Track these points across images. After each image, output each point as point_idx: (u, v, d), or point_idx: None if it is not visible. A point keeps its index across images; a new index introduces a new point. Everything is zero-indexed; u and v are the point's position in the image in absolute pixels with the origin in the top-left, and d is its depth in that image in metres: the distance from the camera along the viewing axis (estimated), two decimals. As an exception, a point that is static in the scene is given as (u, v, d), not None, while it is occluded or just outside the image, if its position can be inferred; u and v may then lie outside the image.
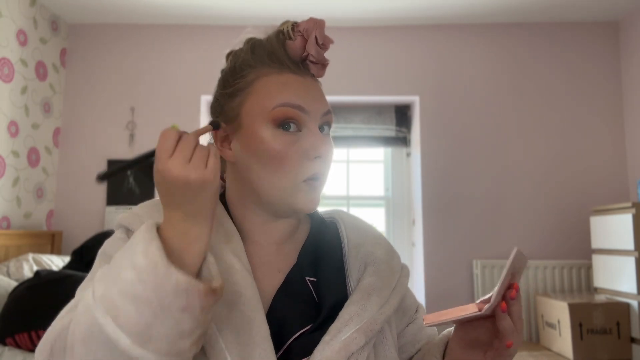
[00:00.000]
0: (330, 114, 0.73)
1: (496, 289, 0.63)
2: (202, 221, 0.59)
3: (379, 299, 0.73)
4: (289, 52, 0.72)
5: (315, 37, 0.71)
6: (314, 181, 0.70)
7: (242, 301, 0.65)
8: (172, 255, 0.57)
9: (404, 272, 0.81)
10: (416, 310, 0.85)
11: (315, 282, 0.74)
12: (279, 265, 0.74)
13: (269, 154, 0.68)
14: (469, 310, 0.63)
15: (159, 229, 0.59)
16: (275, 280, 0.72)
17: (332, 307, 0.71)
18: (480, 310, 0.62)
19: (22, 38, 2.80)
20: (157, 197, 0.73)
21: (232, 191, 0.76)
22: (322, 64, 0.74)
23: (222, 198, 0.78)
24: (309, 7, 2.96)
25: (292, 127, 0.69)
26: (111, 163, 3.10)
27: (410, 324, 0.84)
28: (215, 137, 0.76)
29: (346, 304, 0.71)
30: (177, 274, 0.54)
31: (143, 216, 0.71)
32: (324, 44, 0.72)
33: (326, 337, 0.67)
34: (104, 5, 2.98)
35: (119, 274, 0.55)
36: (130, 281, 0.54)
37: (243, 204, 0.74)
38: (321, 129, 0.72)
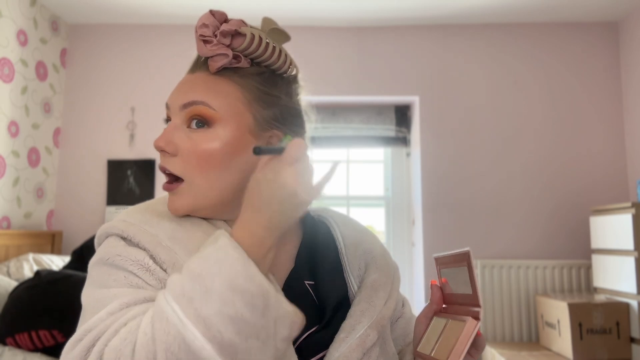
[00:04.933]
0: (193, 106, 0.67)
1: (479, 293, 0.65)
2: (277, 235, 0.58)
3: (384, 293, 0.74)
4: (199, 52, 0.72)
5: (196, 32, 0.70)
6: (166, 181, 0.69)
7: None
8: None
9: (396, 267, 0.84)
10: (402, 305, 0.86)
11: (313, 285, 0.73)
12: (274, 273, 0.72)
13: None
14: (473, 327, 0.63)
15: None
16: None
17: (334, 308, 0.71)
18: (479, 319, 0.64)
19: (22, 38, 2.80)
20: (148, 200, 0.74)
21: None
22: (217, 55, 0.68)
23: None
24: (309, 7, 2.96)
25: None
26: (111, 163, 3.10)
27: (400, 319, 0.85)
28: None
29: (355, 302, 0.72)
30: (286, 304, 0.54)
31: (137, 223, 0.66)
32: (202, 35, 0.69)
33: (341, 335, 0.68)
34: (104, 5, 2.99)
35: (214, 292, 0.51)
36: (232, 302, 0.51)
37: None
38: (197, 124, 0.67)
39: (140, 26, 3.24)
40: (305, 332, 0.68)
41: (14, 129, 2.74)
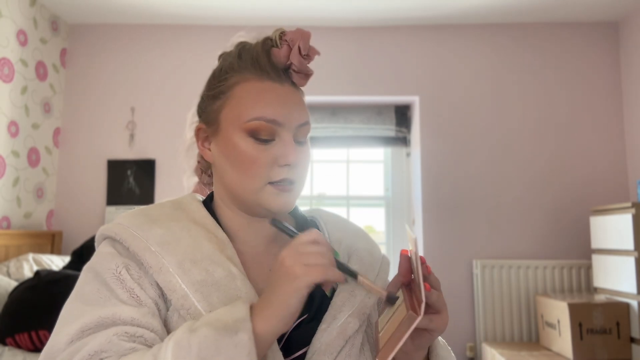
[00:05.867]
0: (307, 125, 0.75)
1: (420, 279, 0.63)
2: (289, 322, 0.62)
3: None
4: (274, 59, 0.74)
5: (299, 47, 0.73)
6: (282, 185, 0.72)
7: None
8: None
9: (384, 261, 0.85)
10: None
11: None
12: (269, 264, 0.77)
13: (241, 159, 0.72)
14: (413, 320, 0.61)
15: (252, 316, 0.61)
16: (267, 279, 0.74)
17: (322, 296, 0.75)
18: (419, 314, 0.60)
19: (22, 38, 2.80)
20: (147, 198, 0.75)
21: (217, 193, 0.79)
22: (305, 74, 0.75)
23: (210, 203, 0.81)
24: (309, 7, 2.96)
25: (266, 136, 0.72)
26: (111, 163, 3.10)
27: None
28: (197, 136, 0.79)
29: (336, 292, 0.75)
30: None
31: (130, 227, 0.70)
32: (308, 54, 0.74)
33: (322, 325, 0.71)
34: (104, 5, 2.99)
35: None
36: None
37: (227, 205, 0.77)
38: (297, 138, 0.74)
39: (140, 26, 3.24)
40: (295, 322, 0.71)
41: (13, 129, 2.74)
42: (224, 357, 0.56)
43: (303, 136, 0.75)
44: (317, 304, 0.74)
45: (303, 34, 0.73)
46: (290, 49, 0.73)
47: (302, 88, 0.80)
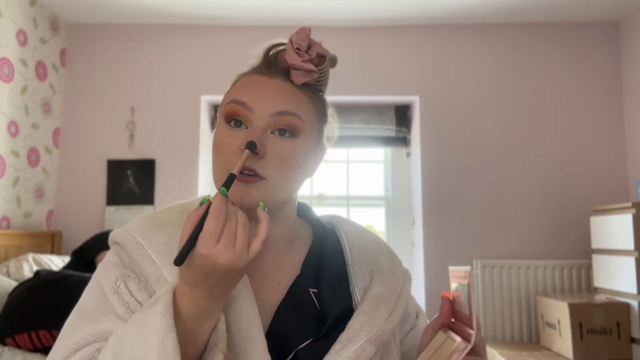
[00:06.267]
0: (288, 116, 0.70)
1: (473, 314, 0.63)
2: (223, 299, 0.60)
3: (387, 307, 0.73)
4: (280, 61, 0.74)
5: (291, 42, 0.72)
6: (244, 175, 0.67)
7: (242, 319, 0.66)
8: (186, 330, 0.58)
9: (406, 278, 0.81)
10: (417, 316, 0.84)
11: (317, 292, 0.73)
12: (278, 278, 0.74)
13: (214, 144, 0.71)
14: (462, 349, 0.61)
15: (175, 297, 0.59)
16: (275, 294, 0.72)
17: (336, 318, 0.71)
18: (470, 342, 0.62)
19: (22, 38, 2.80)
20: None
21: None
22: (304, 70, 0.73)
23: None
24: (309, 7, 2.96)
25: (241, 124, 0.70)
26: (111, 163, 3.10)
27: (411, 331, 0.83)
28: None
29: (355, 314, 0.71)
30: None
31: (135, 232, 0.70)
32: (307, 51, 0.72)
33: (337, 346, 0.67)
34: (104, 5, 2.98)
35: None
36: None
37: None
38: (280, 132, 0.70)
39: (140, 26, 3.24)
40: (305, 341, 0.68)
41: (13, 128, 2.74)
42: (145, 329, 0.56)
43: (285, 128, 0.70)
44: (328, 326, 0.70)
45: (299, 30, 0.73)
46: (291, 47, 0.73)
47: (323, 89, 0.80)
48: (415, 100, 3.20)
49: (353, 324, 0.70)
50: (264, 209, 0.61)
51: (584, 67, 3.15)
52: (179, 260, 0.55)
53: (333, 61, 0.82)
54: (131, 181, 3.09)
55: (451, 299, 0.70)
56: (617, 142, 3.09)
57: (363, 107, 3.28)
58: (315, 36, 0.76)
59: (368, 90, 3.18)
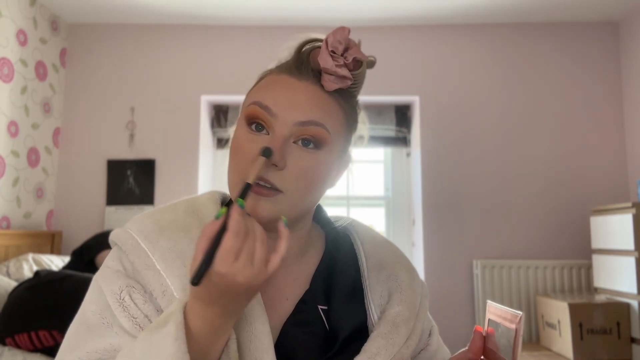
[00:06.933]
0: (312, 126, 0.64)
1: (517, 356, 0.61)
2: (236, 317, 0.57)
3: (406, 330, 0.69)
4: (312, 61, 0.68)
5: (326, 43, 0.65)
6: (259, 187, 0.61)
7: (253, 338, 0.63)
8: (197, 351, 0.55)
9: (424, 293, 0.77)
10: (429, 334, 0.80)
11: (326, 310, 0.69)
12: (287, 292, 0.69)
13: (232, 146, 0.66)
14: None
15: (185, 316, 0.55)
16: (282, 309, 0.68)
17: (347, 337, 0.67)
18: None
19: (22, 38, 2.80)
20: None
21: None
22: (337, 76, 0.67)
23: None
24: (309, 7, 2.96)
25: (263, 129, 0.64)
26: (111, 163, 3.10)
27: (423, 350, 0.79)
28: None
29: (373, 336, 0.67)
30: None
31: (138, 235, 0.66)
32: (333, 50, 0.66)
33: None
34: (104, 5, 2.98)
35: None
36: None
37: None
38: (304, 142, 0.64)
39: (140, 26, 3.24)
40: None
41: (13, 128, 2.74)
42: (155, 350, 0.53)
43: (310, 139, 0.64)
44: (337, 347, 0.66)
45: (337, 30, 0.66)
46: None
47: (356, 94, 0.73)
48: (415, 100, 3.20)
49: (370, 347, 0.65)
50: (286, 224, 0.57)
51: (584, 67, 3.15)
52: (196, 280, 0.50)
53: (371, 64, 0.76)
54: (131, 181, 3.09)
55: (484, 334, 0.66)
56: (617, 142, 3.09)
57: (363, 107, 3.27)
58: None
59: (368, 90, 3.15)
